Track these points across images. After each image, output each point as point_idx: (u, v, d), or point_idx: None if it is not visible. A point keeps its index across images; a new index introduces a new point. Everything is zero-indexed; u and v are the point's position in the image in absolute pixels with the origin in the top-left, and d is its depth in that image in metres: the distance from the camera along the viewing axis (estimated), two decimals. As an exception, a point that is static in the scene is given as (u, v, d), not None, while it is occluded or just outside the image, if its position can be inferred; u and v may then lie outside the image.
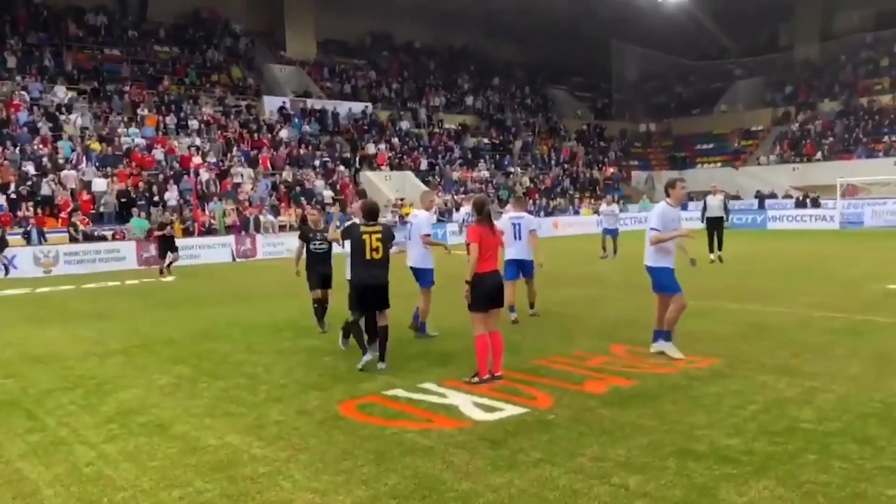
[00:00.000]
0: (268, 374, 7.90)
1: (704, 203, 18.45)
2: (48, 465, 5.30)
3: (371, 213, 7.96)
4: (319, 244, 10.29)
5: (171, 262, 19.89)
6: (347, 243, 8.28)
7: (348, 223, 8.56)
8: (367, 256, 7.71)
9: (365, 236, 7.75)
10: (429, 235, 9.50)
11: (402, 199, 32.25)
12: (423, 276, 9.45)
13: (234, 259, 25.32)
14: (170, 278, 19.21)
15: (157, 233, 20.69)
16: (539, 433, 5.55)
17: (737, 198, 39.63)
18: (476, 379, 7.08)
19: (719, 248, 17.56)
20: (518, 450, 5.22)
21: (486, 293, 7.06)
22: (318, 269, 10.31)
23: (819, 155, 41.05)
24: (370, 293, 7.76)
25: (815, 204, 35.39)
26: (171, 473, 5.01)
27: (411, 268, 9.53)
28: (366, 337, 7.98)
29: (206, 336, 10.42)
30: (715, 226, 17.82)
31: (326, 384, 7.30)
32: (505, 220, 10.57)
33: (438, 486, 4.61)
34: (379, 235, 7.79)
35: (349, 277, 8.20)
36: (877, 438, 5.18)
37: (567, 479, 4.65)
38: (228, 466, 5.10)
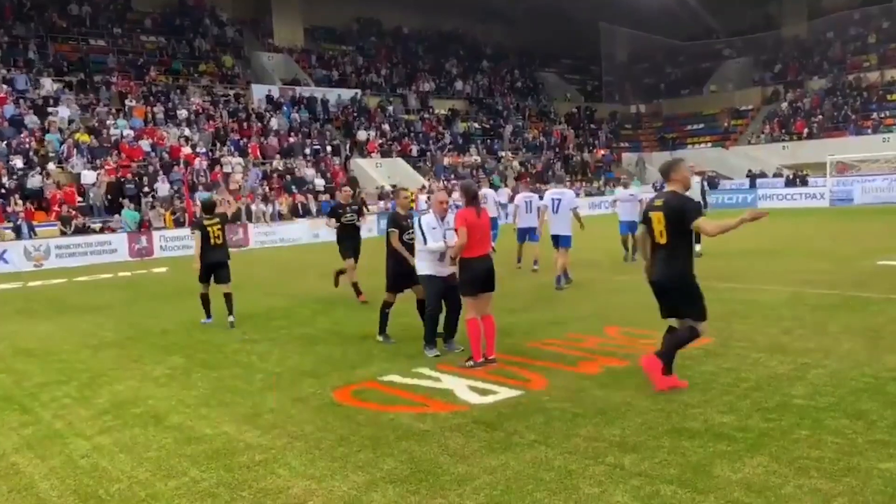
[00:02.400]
0: (262, 362, 7.90)
1: None
2: (43, 457, 5.29)
3: (208, 207, 10.55)
4: (350, 217, 11.86)
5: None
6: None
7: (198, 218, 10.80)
8: (212, 242, 10.11)
9: (208, 227, 10.11)
10: (577, 208, 12.16)
11: (404, 188, 32.15)
12: (566, 241, 12.03)
13: (226, 249, 25.22)
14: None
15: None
16: (534, 415, 5.57)
17: (727, 178, 39.67)
18: (470, 363, 7.12)
19: (697, 240, 14.25)
20: (513, 432, 5.24)
21: (474, 277, 7.10)
22: (349, 242, 11.86)
23: (807, 133, 41.11)
24: (220, 272, 10.29)
25: (804, 182, 35.50)
26: (167, 464, 5.01)
27: (556, 235, 12.09)
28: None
29: (199, 326, 10.41)
30: None
31: (321, 371, 7.31)
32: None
33: (435, 470, 4.62)
34: (218, 224, 10.20)
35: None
36: (868, 413, 5.22)
37: (562, 459, 4.67)
38: (224, 455, 5.10)
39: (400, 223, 8.40)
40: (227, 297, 10.31)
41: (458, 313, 7.73)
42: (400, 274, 8.28)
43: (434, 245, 7.49)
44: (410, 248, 8.17)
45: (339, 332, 9.41)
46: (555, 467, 4.56)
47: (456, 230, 7.17)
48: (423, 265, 7.67)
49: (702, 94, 50.02)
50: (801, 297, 9.89)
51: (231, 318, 10.17)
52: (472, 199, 7.24)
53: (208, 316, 10.64)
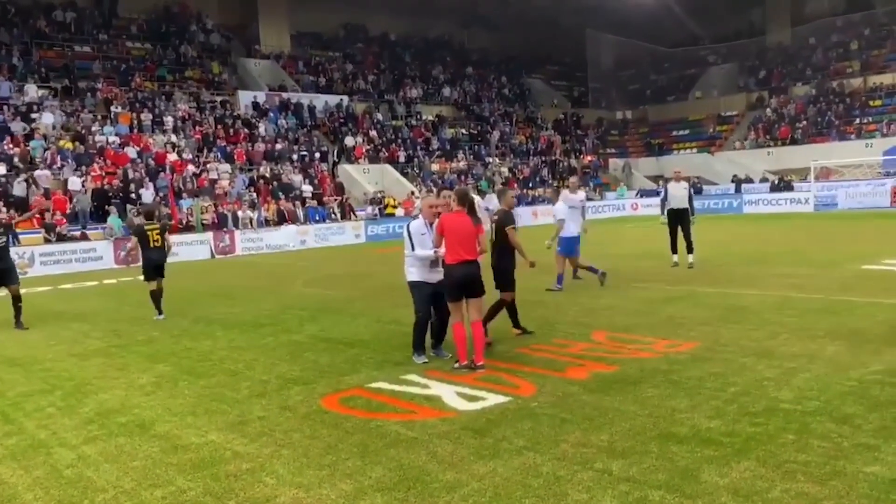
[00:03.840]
0: (249, 370, 7.85)
1: (665, 191, 14.64)
2: (27, 468, 5.23)
3: (149, 214, 12.37)
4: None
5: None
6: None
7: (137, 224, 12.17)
8: (151, 245, 11.69)
9: (148, 232, 11.66)
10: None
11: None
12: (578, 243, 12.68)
13: (212, 256, 25.13)
14: None
15: None
16: (522, 421, 5.57)
17: (713, 183, 39.94)
18: (457, 365, 7.19)
19: (689, 251, 14.05)
20: (501, 438, 5.24)
21: (454, 283, 7.18)
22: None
23: (791, 139, 41.49)
24: (158, 269, 11.88)
25: (788, 188, 35.80)
26: (153, 473, 4.97)
27: (575, 237, 12.60)
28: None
29: (186, 334, 10.34)
30: (679, 219, 14.22)
31: (309, 379, 7.28)
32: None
33: (423, 477, 4.61)
34: (158, 230, 11.78)
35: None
36: (854, 417, 5.26)
37: (551, 465, 4.67)
38: (211, 464, 5.06)
39: (514, 220, 8.53)
40: (160, 290, 12.12)
41: (447, 320, 7.73)
42: (508, 272, 8.41)
43: (422, 252, 7.47)
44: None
45: (326, 338, 9.37)
46: (543, 473, 4.56)
47: (437, 233, 7.27)
48: (413, 271, 7.64)
49: (687, 100, 50.41)
50: (787, 302, 9.95)
51: (159, 317, 11.86)
52: (464, 204, 7.27)
53: (160, 312, 11.82)
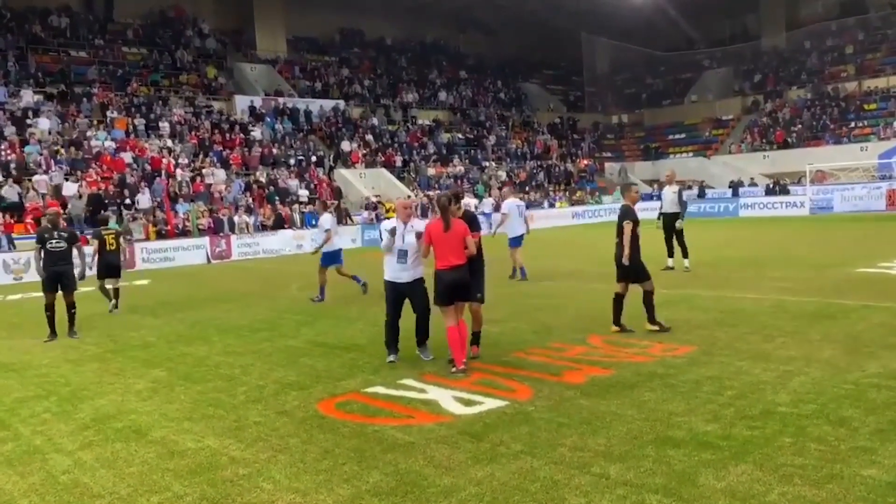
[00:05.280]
0: (246, 375, 7.84)
1: (661, 195, 14.93)
2: (23, 474, 5.21)
3: (104, 221, 14.26)
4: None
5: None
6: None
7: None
8: (107, 248, 13.13)
9: (105, 236, 13.21)
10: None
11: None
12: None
13: (209, 261, 25.08)
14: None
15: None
16: (519, 425, 5.57)
17: (709, 187, 39.99)
18: (454, 369, 7.24)
19: (684, 255, 14.21)
20: (498, 442, 5.23)
21: (443, 288, 7.28)
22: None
23: (787, 142, 41.61)
24: (112, 269, 13.28)
25: (784, 191, 35.88)
26: (150, 479, 4.95)
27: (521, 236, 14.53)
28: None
29: (182, 339, 10.32)
30: (672, 224, 14.32)
31: (305, 383, 7.27)
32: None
33: (420, 482, 4.60)
34: (113, 235, 13.39)
35: None
36: (850, 420, 5.27)
37: (548, 470, 4.67)
38: (208, 469, 5.05)
39: (633, 216, 8.67)
40: (116, 291, 13.60)
41: (425, 320, 7.84)
42: (641, 263, 8.59)
43: (385, 243, 7.67)
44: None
45: (323, 343, 9.37)
46: (540, 478, 4.55)
47: (425, 244, 7.46)
48: (385, 270, 7.85)
49: (683, 103, 50.50)
50: (783, 305, 9.97)
51: (114, 302, 13.50)
52: (442, 210, 7.35)
53: (114, 305, 13.50)
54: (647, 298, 8.70)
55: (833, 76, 44.43)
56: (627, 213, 8.71)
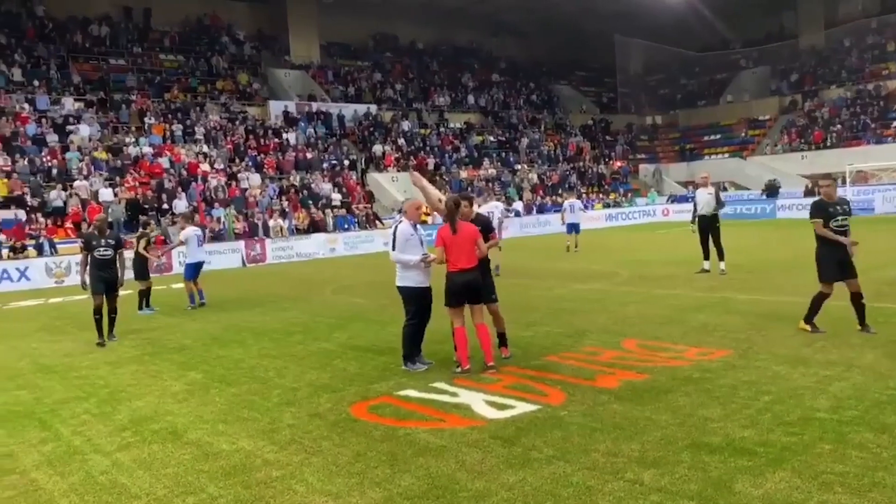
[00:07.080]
0: (280, 378, 7.91)
1: (695, 198, 14.63)
2: (63, 474, 5.32)
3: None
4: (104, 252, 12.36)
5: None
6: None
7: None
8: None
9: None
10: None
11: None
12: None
13: (244, 265, 25.40)
14: None
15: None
16: (552, 430, 5.53)
17: (745, 188, 39.34)
18: (459, 370, 7.34)
19: (720, 257, 13.95)
20: (531, 447, 5.20)
21: (454, 290, 7.31)
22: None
23: (826, 142, 40.74)
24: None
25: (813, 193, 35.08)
26: (185, 480, 5.02)
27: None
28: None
29: (217, 342, 10.45)
30: (707, 226, 14.05)
31: (338, 386, 7.31)
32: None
33: (452, 486, 4.59)
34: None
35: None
36: (893, 426, 5.13)
37: (581, 475, 4.63)
38: (242, 471, 5.11)
39: (827, 210, 8.55)
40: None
41: (424, 327, 7.82)
42: (837, 262, 8.44)
43: (402, 256, 7.49)
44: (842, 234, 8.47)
45: (355, 346, 9.41)
46: (573, 483, 4.52)
47: (437, 247, 7.43)
48: (410, 275, 7.60)
49: (718, 104, 49.81)
50: (823, 309, 9.74)
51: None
52: (449, 214, 7.37)
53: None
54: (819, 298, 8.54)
55: (874, 74, 43.40)
56: (819, 209, 8.60)
